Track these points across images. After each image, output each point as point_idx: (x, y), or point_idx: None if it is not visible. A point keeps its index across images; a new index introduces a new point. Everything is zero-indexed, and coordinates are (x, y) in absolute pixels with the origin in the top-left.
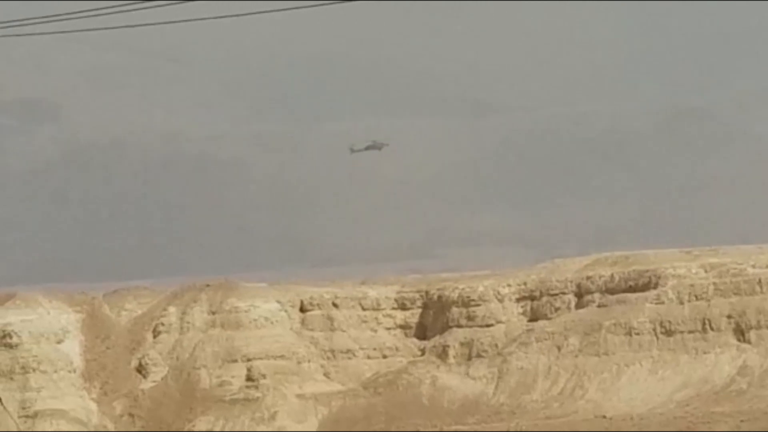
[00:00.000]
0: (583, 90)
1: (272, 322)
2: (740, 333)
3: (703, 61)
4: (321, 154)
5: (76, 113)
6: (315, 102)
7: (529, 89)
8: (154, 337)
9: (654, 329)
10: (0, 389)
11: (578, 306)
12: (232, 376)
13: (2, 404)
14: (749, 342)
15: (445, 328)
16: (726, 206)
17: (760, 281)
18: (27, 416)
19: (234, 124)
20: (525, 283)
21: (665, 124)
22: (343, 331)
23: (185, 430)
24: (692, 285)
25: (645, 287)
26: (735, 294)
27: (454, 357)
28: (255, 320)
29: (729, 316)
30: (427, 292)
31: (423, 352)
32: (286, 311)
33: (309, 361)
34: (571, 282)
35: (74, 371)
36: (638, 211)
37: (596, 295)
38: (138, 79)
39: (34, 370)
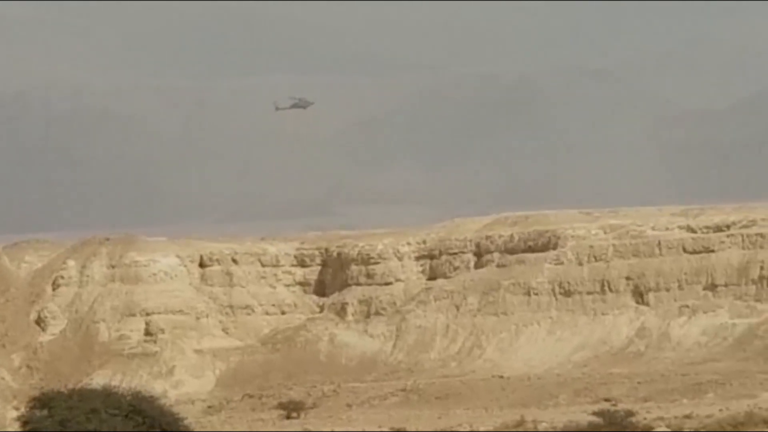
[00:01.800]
0: (487, 50)
1: (171, 277)
2: (639, 295)
3: (606, 24)
4: (224, 111)
5: None
6: (219, 58)
7: (434, 48)
8: (54, 290)
9: (553, 290)
10: None
11: (477, 265)
12: (131, 330)
13: None
14: (647, 304)
15: (344, 285)
16: (626, 168)
17: (659, 243)
18: None
19: (138, 78)
20: (424, 242)
21: (568, 86)
22: (242, 287)
23: (83, 383)
24: (591, 246)
25: (544, 248)
26: (634, 256)
27: (353, 314)
28: (154, 275)
29: (628, 278)
30: (326, 249)
31: (322, 309)
32: (185, 266)
33: (207, 317)
34: (471, 241)
35: None
36: (540, 171)
37: (495, 255)
38: (42, 33)
39: None
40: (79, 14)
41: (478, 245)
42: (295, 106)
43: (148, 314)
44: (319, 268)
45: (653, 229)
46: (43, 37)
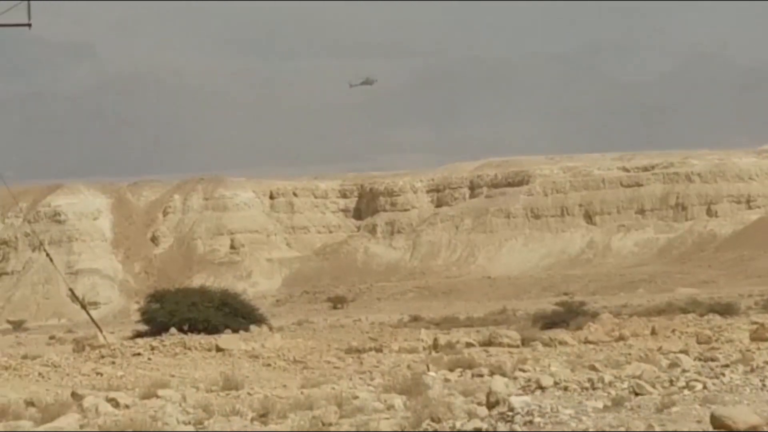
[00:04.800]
0: (477, 35)
1: (249, 206)
2: (588, 217)
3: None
4: (289, 87)
5: (107, 52)
6: (284, 44)
7: (431, 36)
8: (164, 216)
9: (526, 214)
10: (51, 253)
11: (471, 197)
12: (220, 246)
13: (53, 264)
14: (595, 224)
15: (375, 211)
16: (579, 126)
17: (603, 180)
18: (71, 273)
19: (222, 61)
20: (432, 180)
21: (537, 66)
22: (301, 213)
23: (185, 284)
24: (554, 182)
25: (520, 183)
26: (584, 189)
27: (381, 233)
28: (237, 204)
29: (580, 205)
30: (362, 186)
31: (358, 229)
32: (259, 198)
33: (275, 235)
34: (466, 179)
35: (106, 241)
36: (516, 128)
37: (484, 189)
38: (152, 26)
39: (76, 239)
40: (178, 10)
41: (471, 182)
42: (364, 83)
43: (232, 234)
44: (356, 199)
45: (598, 169)
46: (152, 30)
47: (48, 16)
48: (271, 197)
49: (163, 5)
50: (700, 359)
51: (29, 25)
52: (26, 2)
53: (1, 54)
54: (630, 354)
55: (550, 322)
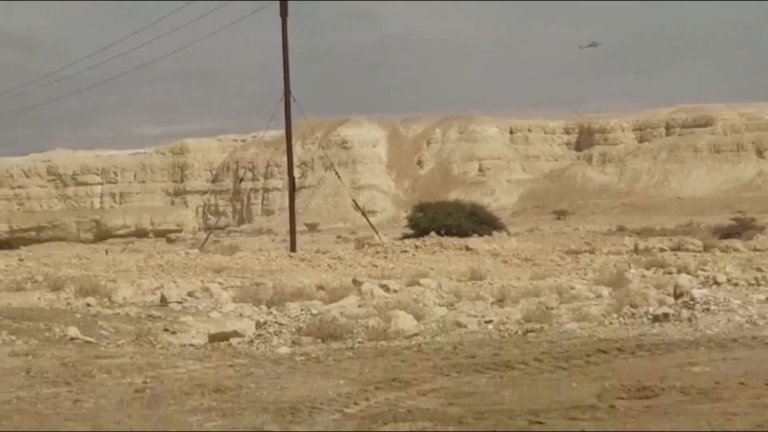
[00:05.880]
0: (672, 7)
1: (494, 139)
2: (759, 152)
3: None
4: (531, 47)
5: (386, 16)
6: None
7: (644, 8)
8: (427, 145)
9: (710, 149)
10: (339, 173)
11: (667, 135)
12: (470, 169)
13: (341, 181)
14: (764, 158)
15: (591, 145)
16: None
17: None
18: (354, 188)
19: (478, 24)
20: (637, 121)
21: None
22: (534, 145)
23: (443, 198)
24: (732, 124)
25: (705, 125)
26: (757, 130)
27: (596, 161)
28: (484, 137)
29: (753, 143)
30: (581, 124)
31: (578, 158)
32: (501, 133)
33: (514, 161)
34: (663, 121)
35: (382, 163)
36: (704, 81)
37: (677, 129)
38: None
39: (359, 162)
40: None
41: (667, 123)
42: (591, 45)
43: (480, 160)
44: (577, 135)
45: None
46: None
47: None
48: (511, 132)
49: None
50: None
51: None
52: None
53: (303, 16)
54: None
55: (726, 233)
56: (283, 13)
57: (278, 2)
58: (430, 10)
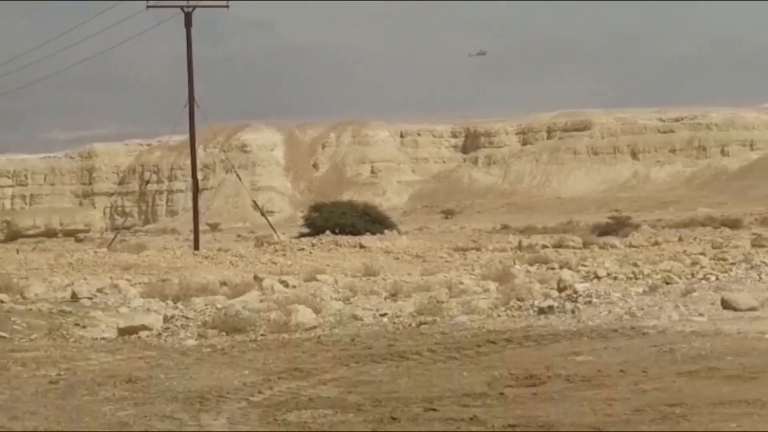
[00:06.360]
0: (553, 18)
1: (385, 143)
2: (634, 155)
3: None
4: (421, 55)
5: (283, 28)
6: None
7: (529, 18)
8: (322, 149)
9: (588, 152)
10: (241, 175)
11: (548, 138)
12: (363, 171)
13: (242, 182)
14: (638, 160)
15: (477, 147)
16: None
17: (645, 127)
18: (254, 189)
19: (369, 32)
20: (520, 125)
21: (601, 42)
22: (423, 147)
23: (337, 199)
24: (609, 128)
25: (584, 129)
26: (631, 134)
27: (481, 163)
28: (376, 141)
29: (628, 145)
30: (467, 128)
31: (465, 160)
32: (392, 137)
33: (404, 164)
34: (545, 125)
35: (279, 166)
36: (582, 88)
37: (558, 132)
38: (318, 6)
39: (258, 165)
40: None
41: (548, 127)
42: (479, 53)
43: (372, 162)
44: (464, 138)
45: (641, 119)
46: (317, 8)
47: None
48: (401, 136)
49: None
50: (713, 259)
51: (227, 5)
52: None
53: (205, 26)
54: (663, 255)
55: (604, 231)
56: (188, 24)
57: (183, 14)
58: (325, 21)
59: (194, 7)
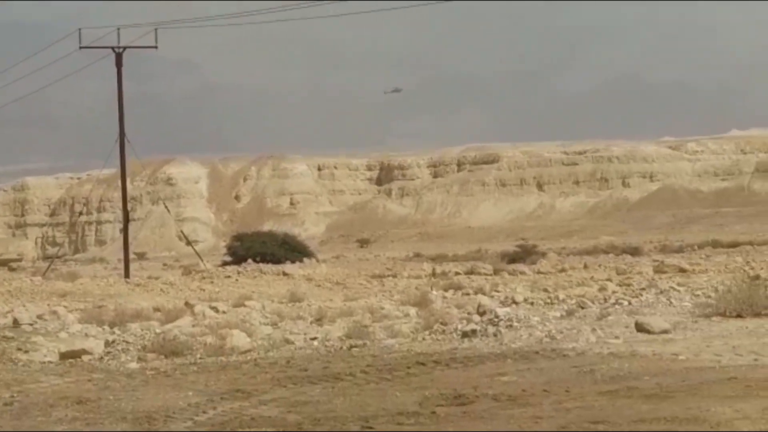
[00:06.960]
0: (462, 54)
1: (303, 175)
2: (539, 186)
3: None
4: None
5: (207, 68)
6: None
7: (415, 50)
8: (244, 181)
9: (496, 183)
10: (168, 207)
11: (458, 170)
12: (282, 203)
13: (169, 213)
14: (544, 191)
15: (391, 180)
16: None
17: (550, 159)
18: (179, 220)
19: (284, 73)
20: (431, 158)
21: (505, 78)
22: (339, 180)
23: (258, 229)
24: (516, 161)
25: (492, 162)
26: (537, 166)
27: (395, 195)
28: (294, 174)
29: (534, 177)
30: (382, 161)
31: (379, 192)
32: (311, 170)
33: (321, 195)
34: (455, 158)
35: (203, 198)
36: (489, 123)
37: (467, 165)
38: (238, 49)
39: (183, 197)
40: (261, 35)
41: (458, 160)
42: (394, 90)
43: (291, 194)
44: (378, 171)
45: (547, 152)
46: (236, 51)
47: (167, 39)
48: (319, 169)
49: (247, 35)
50: (619, 285)
51: (156, 47)
52: (154, 29)
53: (134, 66)
54: (570, 281)
55: (512, 258)
56: (118, 63)
57: (114, 54)
58: (246, 61)
59: (125, 48)
